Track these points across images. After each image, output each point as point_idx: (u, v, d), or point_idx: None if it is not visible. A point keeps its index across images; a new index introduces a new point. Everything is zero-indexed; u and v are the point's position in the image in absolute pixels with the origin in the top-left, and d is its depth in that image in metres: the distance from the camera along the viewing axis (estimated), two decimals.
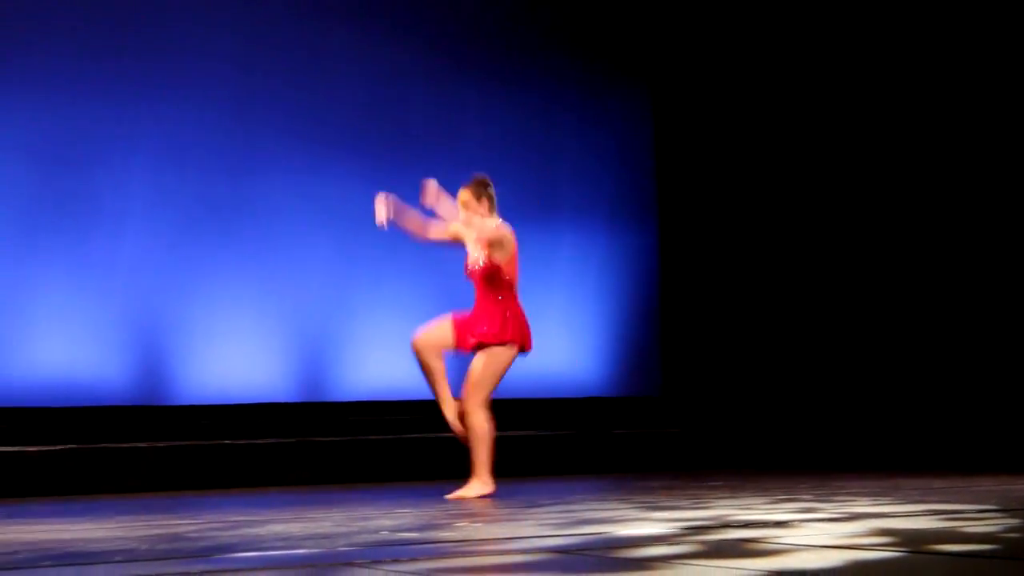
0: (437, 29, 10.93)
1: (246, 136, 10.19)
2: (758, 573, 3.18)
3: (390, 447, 10.01)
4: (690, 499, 6.41)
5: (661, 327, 11.52)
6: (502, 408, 10.79)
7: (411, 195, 10.67)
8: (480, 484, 7.37)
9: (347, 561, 3.79)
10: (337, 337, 10.12)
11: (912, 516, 4.80)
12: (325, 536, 4.64)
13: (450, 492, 7.35)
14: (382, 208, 7.60)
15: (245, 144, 10.17)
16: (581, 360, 11.17)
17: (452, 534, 4.69)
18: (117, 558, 4.11)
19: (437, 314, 7.58)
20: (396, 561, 3.68)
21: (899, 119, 11.12)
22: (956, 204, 10.79)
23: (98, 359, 9.58)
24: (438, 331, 7.46)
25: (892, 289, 11.13)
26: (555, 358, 10.98)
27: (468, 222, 7.52)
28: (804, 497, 6.21)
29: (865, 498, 5.96)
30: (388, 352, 9.95)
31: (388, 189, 10.59)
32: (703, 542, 3.99)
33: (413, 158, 10.63)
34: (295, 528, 5.08)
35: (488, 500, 7.06)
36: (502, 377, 7.47)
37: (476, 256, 7.50)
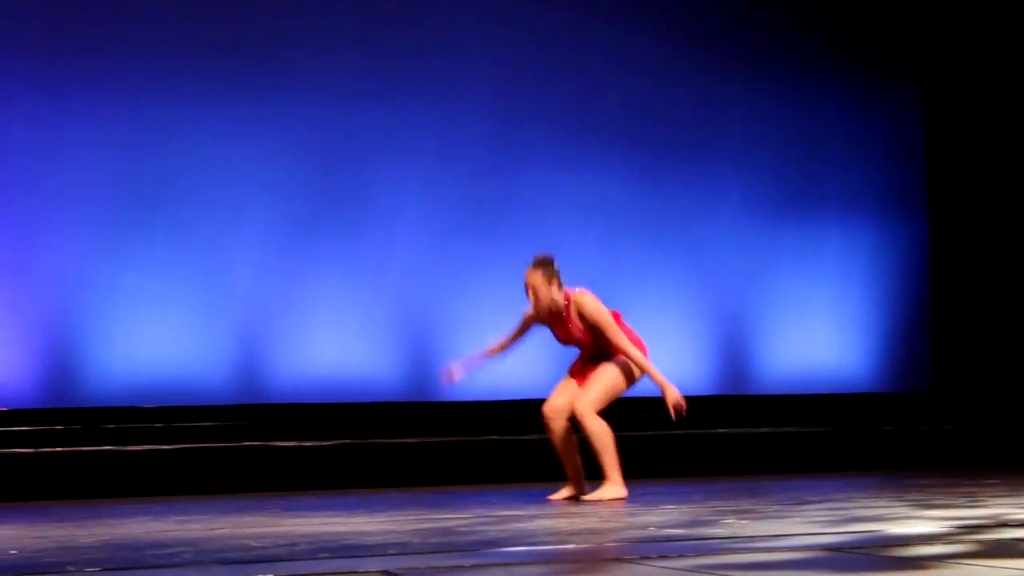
0: (701, 23, 10.87)
1: (512, 133, 10.29)
2: None
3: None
4: (964, 497, 6.26)
5: (932, 321, 11.26)
6: (771, 404, 10.73)
7: (674, 192, 10.69)
8: (615, 487, 7.19)
9: (616, 557, 3.81)
10: None
11: None
12: (593, 532, 4.67)
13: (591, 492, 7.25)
14: (457, 374, 7.45)
15: (511, 141, 10.28)
16: (848, 355, 10.99)
17: (720, 531, 4.67)
18: (391, 551, 4.21)
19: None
20: (664, 557, 3.68)
21: None
22: None
23: (370, 355, 9.80)
24: (563, 395, 7.29)
25: None
26: (821, 353, 10.83)
27: (543, 306, 7.20)
28: None
29: None
30: (655, 342, 9.98)
31: (652, 184, 10.66)
32: (979, 541, 3.90)
33: (677, 153, 10.62)
34: (563, 523, 5.12)
35: (754, 497, 6.99)
36: (618, 391, 7.24)
37: (569, 331, 7.23)
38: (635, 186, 10.56)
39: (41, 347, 9.19)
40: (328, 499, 7.78)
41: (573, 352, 7.47)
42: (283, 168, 9.76)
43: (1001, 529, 4.27)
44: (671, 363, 10.30)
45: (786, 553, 3.84)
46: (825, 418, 10.60)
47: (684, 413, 7.13)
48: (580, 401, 7.17)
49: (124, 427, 9.13)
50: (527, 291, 7.21)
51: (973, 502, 5.81)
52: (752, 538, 4.32)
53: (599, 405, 7.18)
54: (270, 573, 3.82)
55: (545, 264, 7.21)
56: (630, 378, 7.26)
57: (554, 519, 5.39)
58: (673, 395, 7.12)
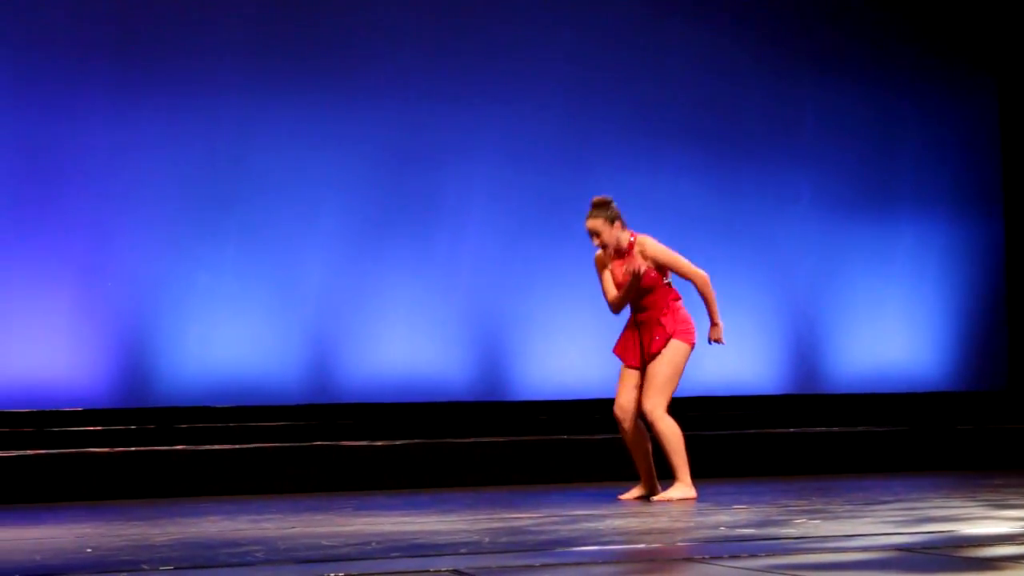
0: (772, 21, 10.82)
1: (582, 133, 10.29)
2: None
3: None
4: None
5: (1007, 319, 11.15)
6: (844, 404, 10.67)
7: (745, 191, 10.64)
8: (684, 487, 7.14)
9: (686, 556, 3.80)
10: None
11: None
12: (664, 531, 4.66)
13: (662, 492, 7.22)
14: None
15: (581, 141, 10.28)
16: (921, 354, 10.90)
17: (791, 531, 4.65)
18: (462, 550, 4.22)
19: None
20: (735, 557, 3.68)
21: None
22: None
23: (440, 355, 9.84)
24: (630, 393, 7.27)
25: None
26: (894, 352, 10.75)
27: (615, 255, 7.24)
28: None
29: None
30: (727, 341, 9.95)
31: (724, 183, 10.62)
32: None
33: (749, 152, 10.58)
34: (633, 523, 5.12)
35: (825, 497, 6.95)
36: (678, 377, 7.20)
37: (632, 270, 7.15)
38: (706, 185, 10.53)
39: (115, 348, 9.28)
40: (399, 498, 7.81)
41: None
42: (354, 169, 9.81)
43: None
44: (744, 362, 10.33)
45: (858, 553, 3.82)
46: (898, 417, 10.52)
47: (721, 342, 7.37)
48: (648, 401, 7.16)
49: (197, 427, 9.21)
50: (592, 239, 7.23)
51: None
52: (824, 538, 4.30)
53: (666, 399, 7.18)
54: (342, 572, 3.84)
55: (603, 206, 7.22)
56: (685, 356, 7.23)
57: (624, 519, 5.38)
58: (718, 332, 7.33)
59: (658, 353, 7.19)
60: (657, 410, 7.14)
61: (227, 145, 9.59)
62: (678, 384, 7.25)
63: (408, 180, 9.91)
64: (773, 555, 3.79)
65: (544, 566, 3.58)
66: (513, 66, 10.19)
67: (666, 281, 7.31)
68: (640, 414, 7.23)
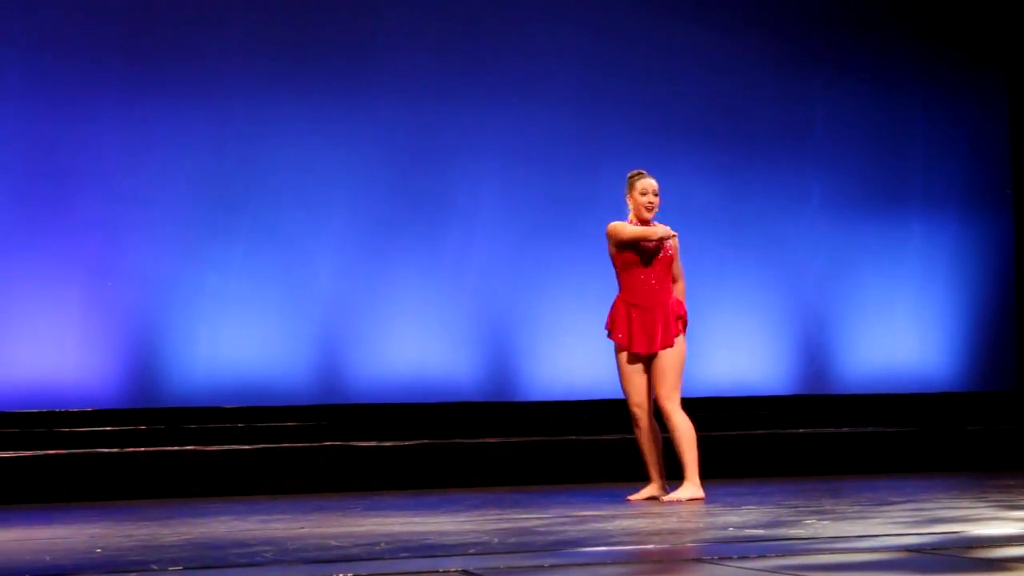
0: (781, 21, 10.82)
1: (592, 133, 10.30)
2: None
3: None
4: None
5: (1018, 319, 11.14)
6: (853, 404, 10.66)
7: (755, 191, 10.63)
8: (692, 488, 7.14)
9: (695, 557, 3.80)
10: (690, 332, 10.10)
11: None
12: (673, 532, 4.66)
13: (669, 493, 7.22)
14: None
15: (591, 141, 10.29)
16: (931, 354, 10.89)
17: (800, 531, 4.64)
18: (471, 551, 4.22)
19: None
20: (744, 558, 3.67)
21: None
22: None
23: (450, 356, 9.84)
24: (644, 387, 7.29)
25: None
26: (904, 353, 10.75)
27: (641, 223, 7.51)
28: None
29: None
30: (736, 342, 9.95)
31: (733, 183, 10.61)
32: None
33: (759, 152, 10.58)
34: (643, 524, 5.11)
35: (835, 498, 6.94)
36: (683, 366, 7.26)
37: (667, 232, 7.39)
38: (716, 185, 10.53)
39: (125, 348, 9.29)
40: (408, 499, 7.82)
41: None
42: (364, 169, 9.82)
43: None
44: (753, 363, 10.32)
45: (867, 554, 3.81)
46: (908, 418, 10.51)
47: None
48: (667, 395, 7.19)
49: (206, 427, 9.22)
50: (654, 197, 7.57)
51: None
52: (833, 539, 4.30)
53: (679, 391, 7.22)
54: (351, 572, 3.85)
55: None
56: (683, 346, 7.28)
57: (633, 519, 5.38)
58: (663, 231, 7.40)
59: (671, 344, 7.21)
60: (672, 403, 7.17)
61: (237, 146, 9.61)
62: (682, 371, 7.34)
63: (418, 181, 9.91)
64: (782, 556, 3.79)
65: (553, 567, 3.58)
66: (523, 67, 10.19)
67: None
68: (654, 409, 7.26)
